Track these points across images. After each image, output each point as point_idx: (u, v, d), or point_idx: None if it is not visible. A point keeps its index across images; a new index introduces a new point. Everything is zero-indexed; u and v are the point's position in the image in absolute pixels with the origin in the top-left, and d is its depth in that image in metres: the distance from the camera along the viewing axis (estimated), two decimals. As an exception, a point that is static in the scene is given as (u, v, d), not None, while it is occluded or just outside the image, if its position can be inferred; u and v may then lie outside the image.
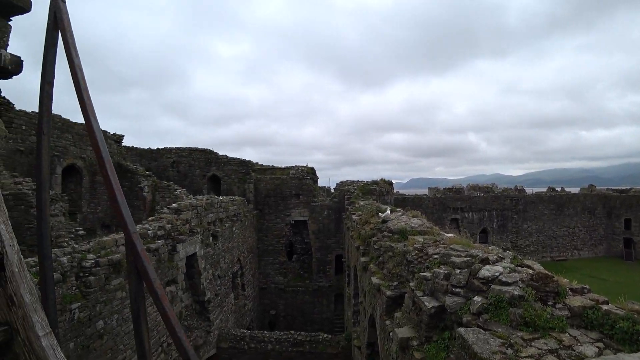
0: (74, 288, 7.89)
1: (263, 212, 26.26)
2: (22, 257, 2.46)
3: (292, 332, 17.11)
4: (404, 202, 33.96)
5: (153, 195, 21.85)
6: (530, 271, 4.76)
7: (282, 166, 28.06)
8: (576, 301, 4.24)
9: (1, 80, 4.14)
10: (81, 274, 8.15)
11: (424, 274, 5.75)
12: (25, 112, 15.87)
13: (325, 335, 16.63)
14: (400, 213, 12.48)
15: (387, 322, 6.87)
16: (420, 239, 8.00)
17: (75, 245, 8.98)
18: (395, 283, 7.44)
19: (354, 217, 16.70)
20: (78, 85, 2.89)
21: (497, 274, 4.67)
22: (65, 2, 3.09)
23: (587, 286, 4.64)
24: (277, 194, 26.21)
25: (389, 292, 7.17)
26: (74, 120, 18.87)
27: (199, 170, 27.43)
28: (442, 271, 5.29)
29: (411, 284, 6.08)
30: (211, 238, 16.31)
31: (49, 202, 3.13)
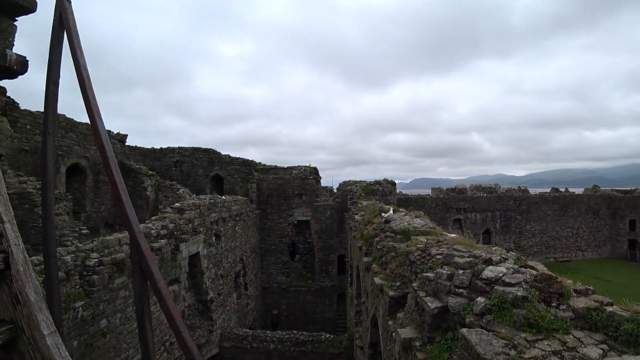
0: (77, 287, 7.94)
1: (266, 212, 26.29)
2: (27, 256, 2.47)
3: (295, 331, 17.12)
4: (407, 202, 33.89)
5: (156, 194, 21.93)
6: (534, 272, 4.74)
7: (285, 166, 28.08)
8: (580, 302, 4.22)
9: (7, 80, 4.18)
10: (85, 273, 8.20)
11: (427, 274, 5.74)
12: (30, 112, 15.97)
13: (328, 335, 16.63)
14: (403, 213, 12.45)
15: (390, 322, 6.86)
16: (423, 239, 7.98)
17: (79, 244, 9.03)
18: (397, 283, 7.43)
19: (356, 217, 16.69)
20: (83, 85, 2.91)
21: (500, 274, 4.65)
22: (70, 3, 3.11)
23: (591, 287, 4.61)
24: (279, 194, 26.23)
25: (391, 293, 7.16)
26: (78, 120, 18.97)
27: (202, 169, 27.50)
28: (445, 272, 5.28)
29: (414, 284, 6.07)
30: (214, 237, 16.35)
31: (54, 201, 3.14)
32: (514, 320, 4.00)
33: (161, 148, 28.26)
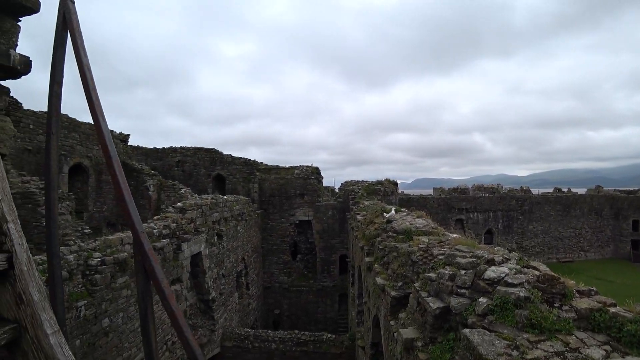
0: (80, 286, 7.98)
1: (267, 212, 26.32)
2: (30, 255, 2.49)
3: (296, 331, 17.14)
4: (409, 203, 33.85)
5: (158, 194, 21.99)
6: (537, 273, 4.73)
7: (287, 166, 28.10)
8: (583, 303, 4.21)
9: (10, 80, 4.20)
10: (87, 272, 8.23)
11: (429, 274, 5.74)
12: (33, 112, 16.05)
13: (329, 335, 16.63)
14: (405, 213, 12.44)
15: (392, 322, 6.86)
16: (425, 239, 7.97)
17: (82, 244, 9.07)
18: (399, 283, 7.42)
19: (358, 217, 16.68)
20: (87, 85, 2.92)
21: (502, 275, 4.64)
22: (74, 3, 3.12)
23: (594, 288, 4.60)
24: (281, 194, 26.25)
25: (393, 293, 7.15)
26: (80, 120, 19.05)
27: (203, 169, 27.54)
28: (447, 272, 5.27)
29: (416, 284, 6.06)
30: (216, 237, 16.37)
31: (57, 201, 3.15)
32: (517, 321, 3.99)
33: (163, 148, 28.33)
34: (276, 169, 27.86)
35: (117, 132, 23.49)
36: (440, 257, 6.29)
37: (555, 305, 4.22)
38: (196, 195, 19.65)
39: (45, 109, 3.49)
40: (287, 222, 26.19)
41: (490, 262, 5.09)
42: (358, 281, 15.62)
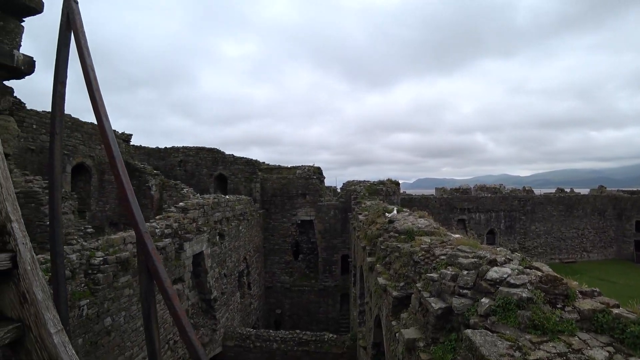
0: (82, 285, 8.01)
1: (269, 212, 26.34)
2: (34, 254, 2.50)
3: (298, 331, 17.14)
4: (411, 203, 33.80)
5: (160, 194, 22.04)
6: (539, 273, 4.72)
7: (289, 166, 28.10)
8: (586, 304, 4.19)
9: (14, 80, 4.22)
10: (90, 271, 8.26)
11: (431, 274, 5.73)
12: (36, 112, 16.11)
13: (331, 335, 16.63)
14: (407, 213, 12.43)
15: (393, 322, 6.85)
16: (427, 239, 7.96)
17: (84, 243, 9.10)
18: (401, 284, 7.41)
19: (360, 217, 16.67)
20: (90, 86, 2.93)
21: (505, 275, 4.63)
22: (77, 3, 3.13)
23: (597, 289, 4.58)
24: (283, 194, 26.26)
25: (395, 293, 7.14)
26: (83, 120, 19.11)
27: (206, 169, 27.59)
28: (449, 272, 5.26)
29: (418, 284, 6.05)
30: (218, 237, 16.40)
31: (61, 200, 3.16)
32: (519, 322, 3.98)
33: (165, 148, 28.40)
34: (278, 168, 27.87)
35: (120, 132, 23.56)
36: (443, 257, 6.27)
37: (558, 306, 4.21)
38: (198, 195, 19.68)
39: (49, 109, 3.51)
40: (289, 222, 26.20)
41: (493, 263, 5.08)
42: (360, 281, 15.61)
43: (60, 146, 3.21)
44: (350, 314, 22.49)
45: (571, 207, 41.48)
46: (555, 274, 4.63)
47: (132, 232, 10.14)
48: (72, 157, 18.01)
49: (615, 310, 4.01)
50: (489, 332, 3.90)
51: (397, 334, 6.19)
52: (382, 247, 9.89)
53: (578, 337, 3.80)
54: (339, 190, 29.97)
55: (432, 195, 42.58)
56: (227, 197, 19.09)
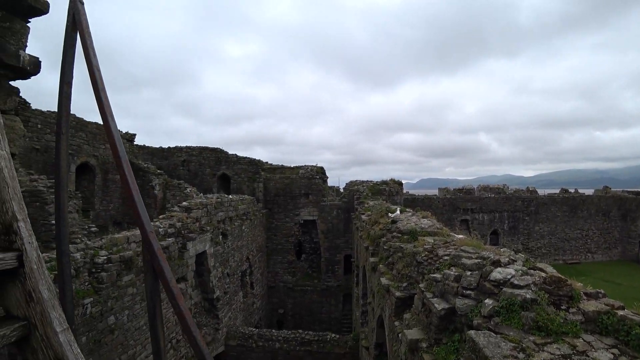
0: (86, 283, 8.06)
1: (272, 211, 26.37)
2: (40, 253, 2.52)
3: (300, 331, 17.15)
4: (414, 203, 33.74)
5: (164, 193, 22.14)
6: (543, 274, 4.70)
7: (292, 165, 28.12)
8: (590, 306, 4.17)
9: (19, 80, 4.25)
10: (93, 270, 8.31)
11: (434, 275, 5.71)
12: (41, 111, 16.23)
13: (333, 335, 16.63)
14: (410, 213, 12.41)
15: (396, 323, 6.85)
16: (430, 239, 7.94)
17: (88, 242, 9.15)
18: (404, 284, 7.41)
19: (363, 217, 16.66)
20: (96, 86, 2.95)
21: (509, 276, 4.62)
22: (83, 4, 3.15)
23: (602, 291, 4.56)
24: (286, 193, 26.29)
25: (398, 293, 7.14)
26: (87, 119, 19.22)
27: (209, 169, 27.67)
28: (452, 273, 5.25)
29: (421, 285, 6.05)
30: (221, 236, 16.44)
31: (67, 200, 3.19)
32: (523, 323, 3.96)
33: (169, 147, 28.50)
34: (281, 168, 27.90)
35: (124, 132, 23.69)
36: (446, 257, 6.26)
37: (562, 307, 4.19)
38: (201, 194, 19.75)
39: (53, 109, 3.54)
40: (291, 222, 26.23)
41: (496, 264, 5.07)
42: (362, 281, 15.60)
43: (67, 146, 3.23)
44: (352, 314, 22.49)
45: (575, 207, 41.24)
46: (560, 275, 4.61)
47: (136, 231, 10.19)
48: (76, 157, 18.12)
49: (620, 312, 3.99)
50: (492, 333, 3.89)
51: (399, 335, 6.19)
52: (385, 247, 9.88)
53: (582, 339, 3.78)
54: (341, 190, 29.96)
55: (435, 195, 42.48)
56: (230, 196, 19.13)
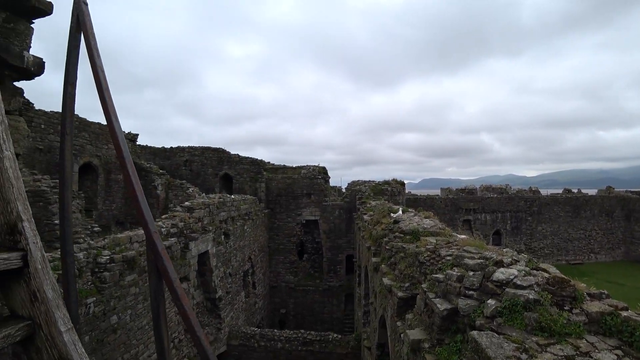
0: (89, 283, 8.09)
1: (274, 211, 26.39)
2: (44, 253, 2.53)
3: (302, 331, 17.16)
4: (416, 203, 33.70)
5: (166, 193, 22.20)
6: (546, 275, 4.68)
7: (294, 165, 28.14)
8: (594, 307, 4.16)
9: (24, 81, 4.27)
10: (96, 270, 8.34)
11: (436, 275, 5.71)
12: (45, 112, 16.30)
13: (335, 335, 16.63)
14: (412, 213, 12.39)
15: (398, 323, 6.84)
16: (432, 240, 7.93)
17: (91, 242, 9.19)
18: (406, 284, 7.40)
19: (365, 217, 16.65)
20: (100, 86, 2.96)
21: (511, 277, 4.61)
22: (87, 5, 3.17)
23: (606, 291, 4.54)
24: (288, 193, 26.30)
25: (400, 293, 7.13)
26: (90, 120, 19.29)
27: (211, 169, 27.72)
28: (454, 273, 5.25)
29: (423, 285, 6.04)
30: (223, 236, 16.47)
31: (71, 200, 3.20)
32: (526, 324, 3.96)
33: (171, 147, 28.57)
34: (283, 168, 27.92)
35: (126, 132, 23.77)
36: (448, 258, 6.25)
37: (565, 308, 4.18)
38: (204, 194, 19.79)
39: (57, 109, 3.56)
40: (293, 222, 26.24)
41: (499, 264, 5.05)
42: (364, 281, 15.59)
43: (71, 146, 3.24)
44: (354, 314, 22.48)
45: (578, 207, 41.08)
46: (563, 276, 4.59)
47: (138, 231, 10.22)
48: (79, 157, 18.19)
49: (624, 313, 3.98)
50: (495, 334, 3.88)
51: (402, 335, 6.18)
52: (387, 247, 9.87)
53: (586, 340, 3.77)
54: (343, 190, 29.94)
55: (438, 195, 42.41)
56: (232, 196, 19.16)
